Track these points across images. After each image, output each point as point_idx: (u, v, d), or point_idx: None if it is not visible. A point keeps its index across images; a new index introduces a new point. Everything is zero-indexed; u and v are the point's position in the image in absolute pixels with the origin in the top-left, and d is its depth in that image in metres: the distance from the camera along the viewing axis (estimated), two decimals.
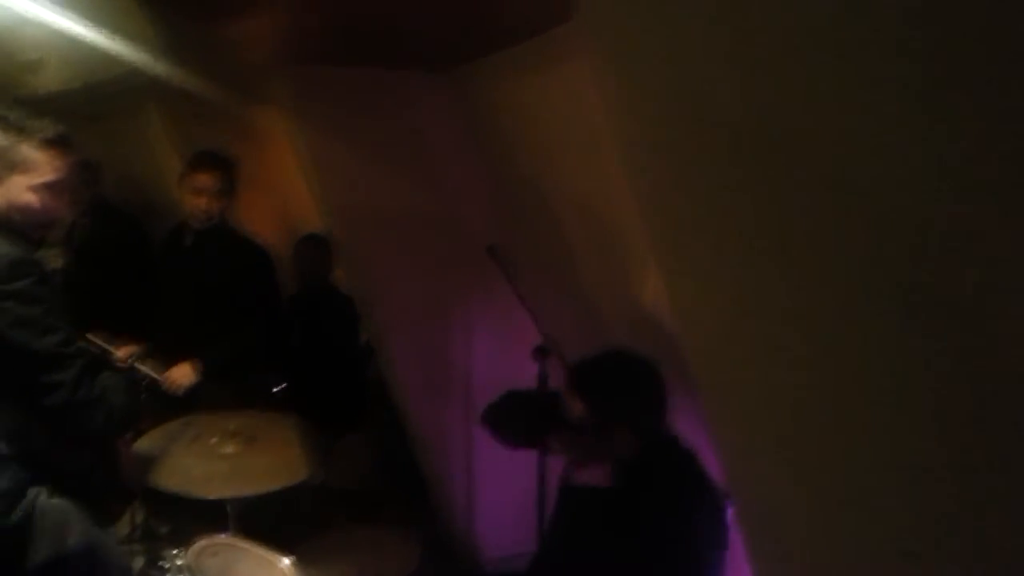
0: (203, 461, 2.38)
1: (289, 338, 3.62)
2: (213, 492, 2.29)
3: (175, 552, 2.13)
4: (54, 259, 4.54)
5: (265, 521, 2.42)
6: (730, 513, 2.09)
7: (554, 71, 2.33)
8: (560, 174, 2.53)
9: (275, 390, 2.88)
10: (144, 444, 2.50)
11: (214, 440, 2.44)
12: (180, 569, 2.07)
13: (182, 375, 3.02)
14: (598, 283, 2.64)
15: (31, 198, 2.02)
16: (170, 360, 3.07)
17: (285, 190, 4.09)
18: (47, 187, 2.04)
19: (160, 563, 2.16)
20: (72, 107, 4.04)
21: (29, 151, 2.01)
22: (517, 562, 2.54)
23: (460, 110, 2.88)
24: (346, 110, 2.89)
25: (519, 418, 2.36)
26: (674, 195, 1.52)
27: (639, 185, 1.61)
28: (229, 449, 2.43)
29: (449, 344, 3.09)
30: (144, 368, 2.94)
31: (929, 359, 1.11)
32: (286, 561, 2.23)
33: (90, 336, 2.92)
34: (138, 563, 2.26)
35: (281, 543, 2.30)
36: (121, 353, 3.00)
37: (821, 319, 1.28)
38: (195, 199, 3.15)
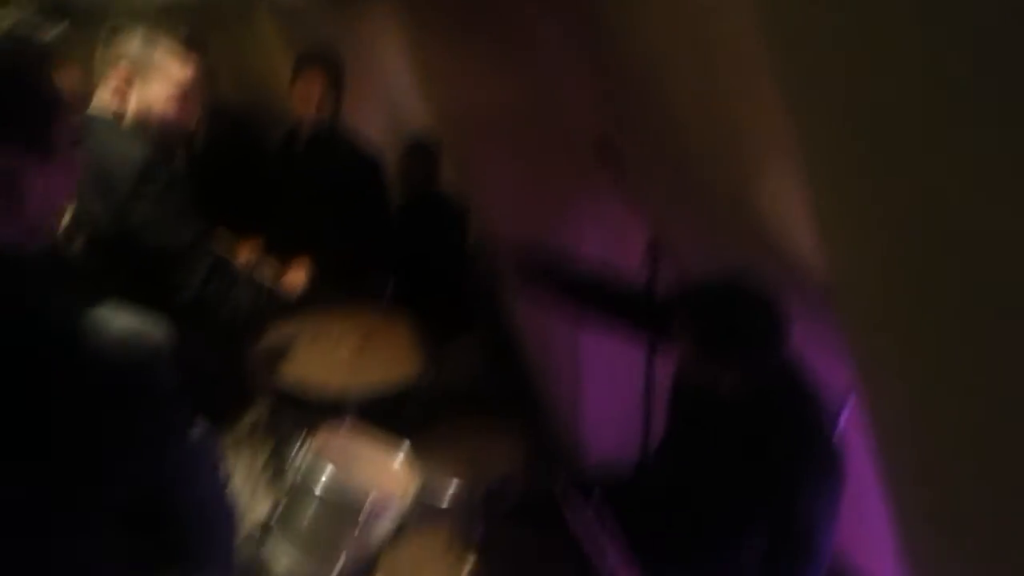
0: (321, 359, 2.48)
1: (399, 242, 3.68)
2: (332, 388, 2.40)
3: (297, 445, 2.23)
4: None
5: (380, 416, 2.51)
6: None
7: None
8: (675, 71, 2.42)
9: (387, 293, 2.95)
10: (265, 344, 2.61)
11: (331, 340, 2.54)
12: (303, 461, 2.18)
13: (297, 277, 3.12)
14: (712, 185, 2.55)
15: (164, 104, 2.09)
16: (286, 263, 3.17)
17: (393, 93, 4.09)
18: (178, 92, 2.10)
19: (283, 456, 2.27)
20: (186, 15, 4.11)
21: (161, 58, 2.07)
22: (621, 466, 2.58)
23: (569, 5, 2.79)
24: (453, 7, 2.84)
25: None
26: (830, 112, 1.44)
27: (790, 100, 1.53)
28: (346, 348, 2.51)
29: (558, 244, 3.06)
30: (262, 272, 3.05)
31: None
32: (400, 454, 2.33)
33: (215, 241, 3.04)
34: (262, 456, 2.39)
35: (396, 437, 2.40)
36: (243, 257, 3.12)
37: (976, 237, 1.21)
38: (305, 101, 3.18)
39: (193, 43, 2.01)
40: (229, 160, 4.14)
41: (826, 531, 1.85)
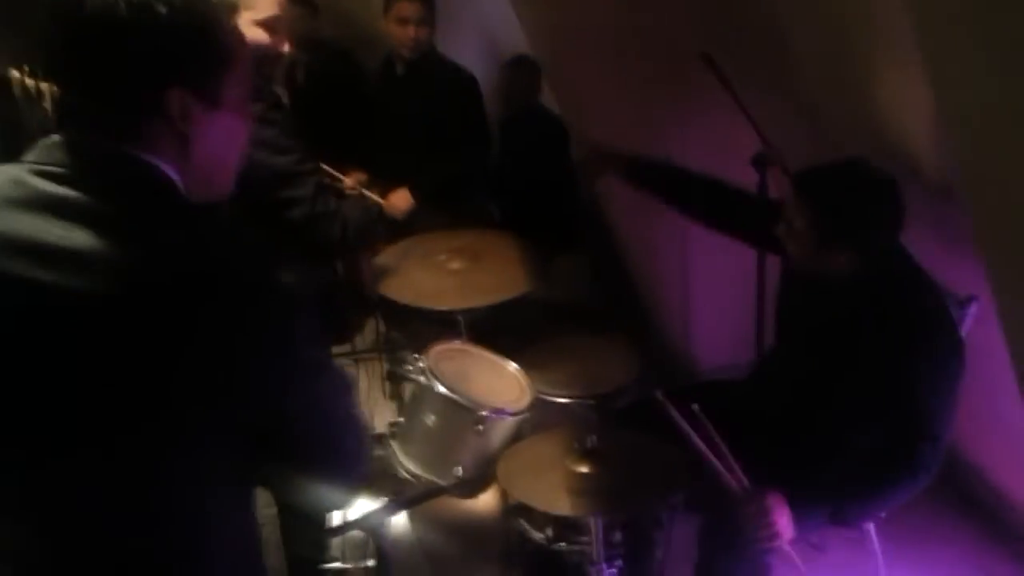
0: (433, 276, 2.53)
1: (501, 161, 3.70)
2: (444, 304, 2.46)
3: (415, 356, 2.31)
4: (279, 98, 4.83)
5: (492, 330, 2.57)
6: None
7: None
8: None
9: (493, 210, 2.99)
10: (379, 262, 2.69)
11: (442, 257, 2.59)
12: (420, 371, 2.25)
13: (401, 199, 3.18)
14: (824, 89, 2.47)
15: (255, 33, 2.13)
16: (391, 186, 3.24)
17: (489, 12, 4.06)
18: (268, 22, 2.14)
19: (402, 367, 2.34)
20: None
21: None
22: (732, 372, 2.57)
23: None
24: None
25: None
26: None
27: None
28: (456, 265, 2.57)
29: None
30: (370, 194, 3.13)
31: None
32: (514, 365, 2.39)
33: (322, 165, 3.12)
34: (383, 367, 2.48)
35: (507, 350, 2.45)
36: (349, 181, 3.20)
37: None
38: (401, 29, 3.21)
39: None
40: (332, 91, 4.21)
41: (945, 413, 1.84)
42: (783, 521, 1.83)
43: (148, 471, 1.02)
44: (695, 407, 1.94)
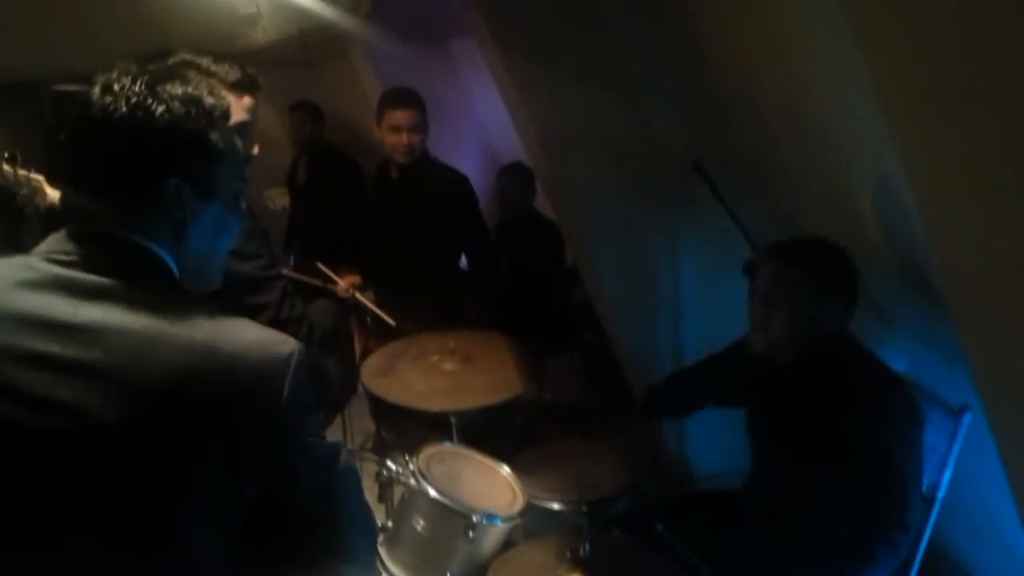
0: (426, 377, 2.53)
1: (497, 265, 3.74)
2: (436, 405, 2.45)
3: (406, 458, 2.28)
4: (279, 197, 4.93)
5: (484, 432, 2.55)
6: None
7: None
8: (764, 82, 2.42)
9: (487, 311, 3.01)
10: (371, 362, 2.69)
11: (435, 358, 2.59)
12: (411, 474, 2.22)
13: None
14: (810, 195, 2.53)
15: None
16: (384, 289, 3.25)
17: (486, 121, 4.18)
18: (237, 129, 2.18)
19: (392, 469, 2.31)
20: (287, 55, 4.30)
21: None
22: (728, 479, 2.54)
23: (657, 25, 2.81)
24: (543, 33, 2.90)
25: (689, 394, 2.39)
26: (923, 89, 1.43)
27: (883, 83, 1.52)
28: (449, 366, 2.57)
29: (655, 264, 3.07)
30: (362, 298, 3.15)
31: None
32: (507, 469, 2.36)
33: (318, 264, 3.16)
34: (372, 468, 2.44)
35: (499, 453, 2.42)
36: (343, 283, 3.22)
37: None
38: (394, 136, 3.28)
39: (243, 84, 2.07)
40: (331, 193, 4.29)
41: (910, 471, 1.88)
42: None
43: (148, 553, 1.02)
44: (659, 527, 1.94)
